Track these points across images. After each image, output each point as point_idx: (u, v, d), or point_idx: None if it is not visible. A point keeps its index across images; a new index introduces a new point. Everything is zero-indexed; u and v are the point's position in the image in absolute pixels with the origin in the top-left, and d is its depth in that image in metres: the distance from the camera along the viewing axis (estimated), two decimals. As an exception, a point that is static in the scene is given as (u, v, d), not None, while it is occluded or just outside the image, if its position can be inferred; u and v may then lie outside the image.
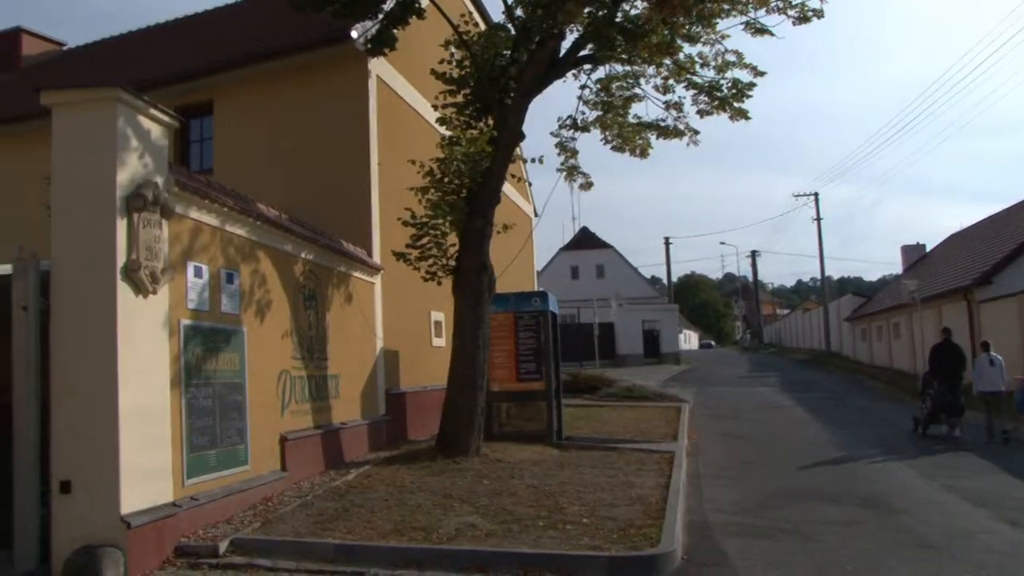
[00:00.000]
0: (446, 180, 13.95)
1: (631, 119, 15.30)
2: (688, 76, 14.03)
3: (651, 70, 14.50)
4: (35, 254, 8.03)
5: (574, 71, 14.51)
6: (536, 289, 22.42)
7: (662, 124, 14.99)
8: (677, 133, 14.91)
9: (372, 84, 15.66)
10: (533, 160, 15.36)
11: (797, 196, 59.36)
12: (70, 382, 7.75)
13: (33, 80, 22.59)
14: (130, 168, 7.95)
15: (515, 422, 15.95)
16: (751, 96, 13.77)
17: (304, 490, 10.86)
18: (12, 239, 17.69)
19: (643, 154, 15.41)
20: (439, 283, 14.46)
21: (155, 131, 8.41)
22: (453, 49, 14.40)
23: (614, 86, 15.17)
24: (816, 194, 54.99)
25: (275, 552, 8.12)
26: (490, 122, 14.27)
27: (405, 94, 17.40)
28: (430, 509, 9.60)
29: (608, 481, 11.48)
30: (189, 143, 17.39)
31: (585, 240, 70.82)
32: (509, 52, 13.85)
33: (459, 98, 14.27)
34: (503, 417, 15.97)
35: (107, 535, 7.49)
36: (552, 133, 15.58)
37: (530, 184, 29.74)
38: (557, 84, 13.89)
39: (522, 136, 14.02)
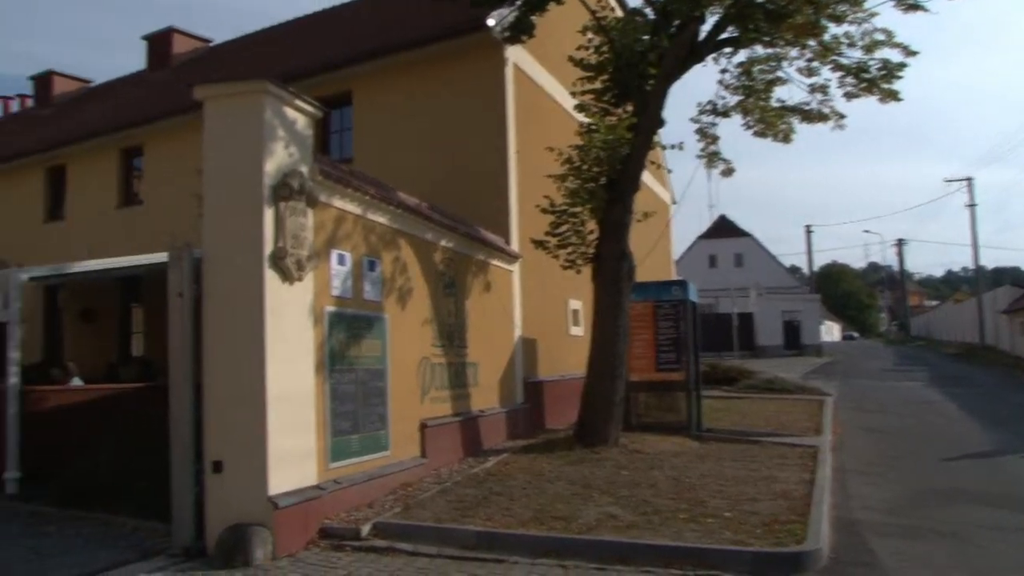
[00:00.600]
0: (585, 167, 13.70)
1: (773, 103, 14.72)
2: (834, 57, 13.38)
3: (795, 52, 13.91)
4: (189, 243, 8.27)
5: (714, 55, 14.02)
6: (674, 278, 21.95)
7: (806, 108, 14.37)
8: (822, 117, 14.28)
9: (509, 72, 15.59)
10: (672, 146, 14.98)
11: (949, 181, 57.03)
12: (221, 366, 7.95)
13: (184, 77, 23.72)
14: (277, 158, 8.08)
15: (653, 413, 15.59)
16: (901, 77, 13.08)
17: (443, 477, 10.89)
18: (166, 230, 18.56)
19: (786, 139, 14.81)
20: (578, 271, 14.27)
21: (300, 121, 8.52)
22: (591, 35, 14.14)
23: (756, 69, 14.60)
24: (970, 179, 52.38)
25: (416, 537, 8.12)
26: (629, 108, 13.98)
27: (542, 81, 17.25)
28: (569, 498, 9.45)
29: (750, 475, 11.07)
30: (329, 133, 17.76)
31: (723, 228, 69.27)
32: (648, 37, 13.49)
33: (597, 84, 14.00)
34: (641, 408, 15.63)
35: (256, 514, 7.67)
36: (692, 119, 15.14)
37: (669, 171, 29.18)
38: (696, 69, 13.52)
39: (662, 122, 13.67)
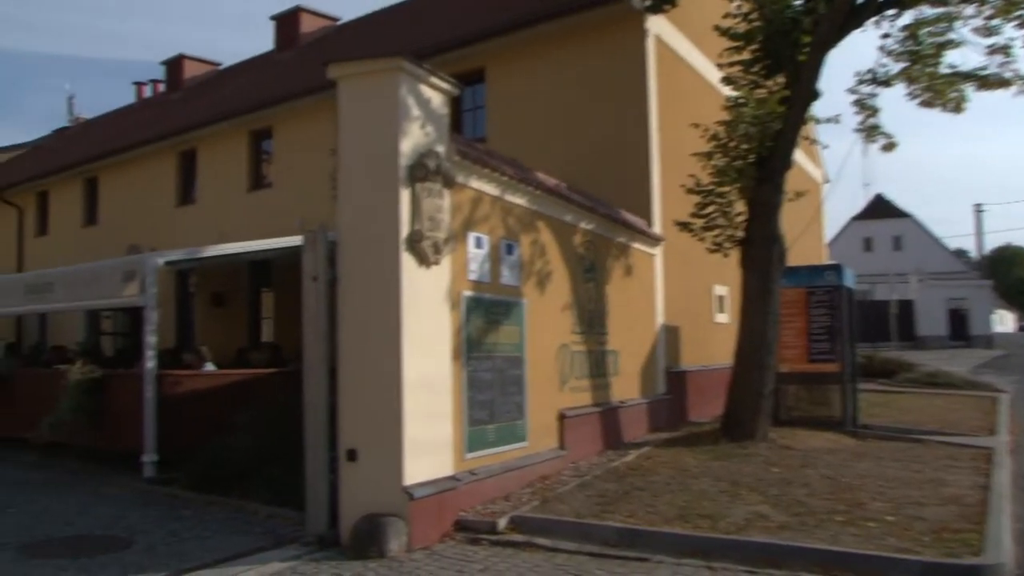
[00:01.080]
0: (732, 144, 13.42)
1: (943, 69, 13.96)
2: (1020, 12, 12.59)
3: (970, 10, 13.11)
4: (324, 226, 8.51)
5: (875, 19, 13.43)
6: (826, 262, 21.36)
7: (983, 73, 13.59)
8: (1002, 83, 13.44)
9: (650, 44, 15.41)
10: (828, 120, 14.48)
11: None
12: (356, 352, 8.16)
13: (312, 56, 24.38)
14: (413, 137, 8.22)
15: (804, 407, 15.14)
16: (1101, 32, 12.25)
17: (582, 470, 10.92)
18: (296, 213, 19.19)
19: (957, 108, 14.02)
20: (725, 255, 13.99)
21: (436, 100, 8.64)
22: (739, 1, 13.78)
23: (923, 32, 13.82)
24: None
25: (554, 532, 8.16)
26: (780, 80, 13.58)
27: (685, 53, 17.01)
28: (715, 496, 9.33)
29: (914, 476, 10.60)
30: (462, 112, 17.90)
31: (880, 208, 66.74)
32: (801, 2, 13.06)
33: (746, 55, 13.63)
34: (791, 401, 15.21)
35: (390, 504, 7.85)
36: (849, 89, 14.50)
37: (826, 147, 28.42)
38: (854, 35, 12.95)
39: (816, 94, 13.18)
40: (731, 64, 13.83)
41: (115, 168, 27.76)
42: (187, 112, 27.61)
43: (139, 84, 37.72)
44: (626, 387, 13.37)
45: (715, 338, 17.12)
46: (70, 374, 12.74)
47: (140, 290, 12.33)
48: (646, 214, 14.81)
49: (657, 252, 15.01)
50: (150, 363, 12.06)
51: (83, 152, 30.51)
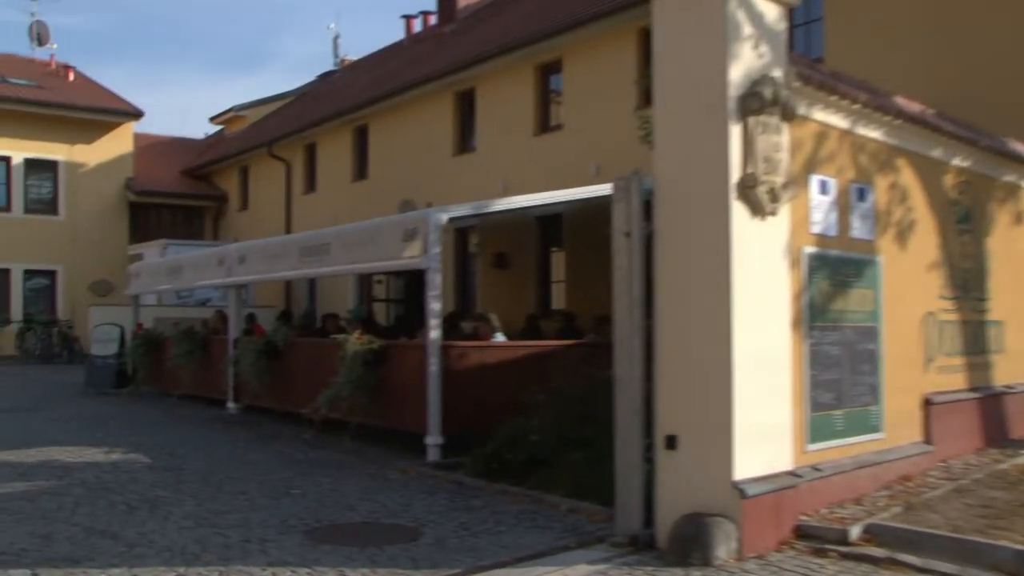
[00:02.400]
0: None
1: None
2: None
3: None
4: (638, 172, 8.48)
5: None
6: None
7: None
8: None
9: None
10: None
11: None
12: (677, 320, 8.10)
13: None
14: (743, 61, 7.98)
15: None
16: None
17: (955, 471, 10.35)
18: (592, 159, 19.33)
19: None
20: None
21: (770, 13, 8.32)
22: None
23: None
24: None
25: (924, 548, 7.72)
26: None
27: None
28: None
29: None
30: (792, 26, 17.37)
31: None
32: None
33: None
34: None
35: (717, 502, 7.75)
36: None
37: None
38: None
39: None
40: None
41: (385, 114, 29.19)
42: (462, 46, 28.43)
43: (408, 18, 39.21)
44: (1014, 368, 12.54)
45: None
46: (348, 345, 13.49)
47: (422, 250, 12.87)
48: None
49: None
50: (434, 332, 12.60)
51: (350, 98, 32.32)
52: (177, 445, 14.34)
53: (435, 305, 12.74)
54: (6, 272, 35.89)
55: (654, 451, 8.17)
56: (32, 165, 37.32)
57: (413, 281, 23.10)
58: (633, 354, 8.38)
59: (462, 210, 14.28)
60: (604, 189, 10.17)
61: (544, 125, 23.81)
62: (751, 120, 7.94)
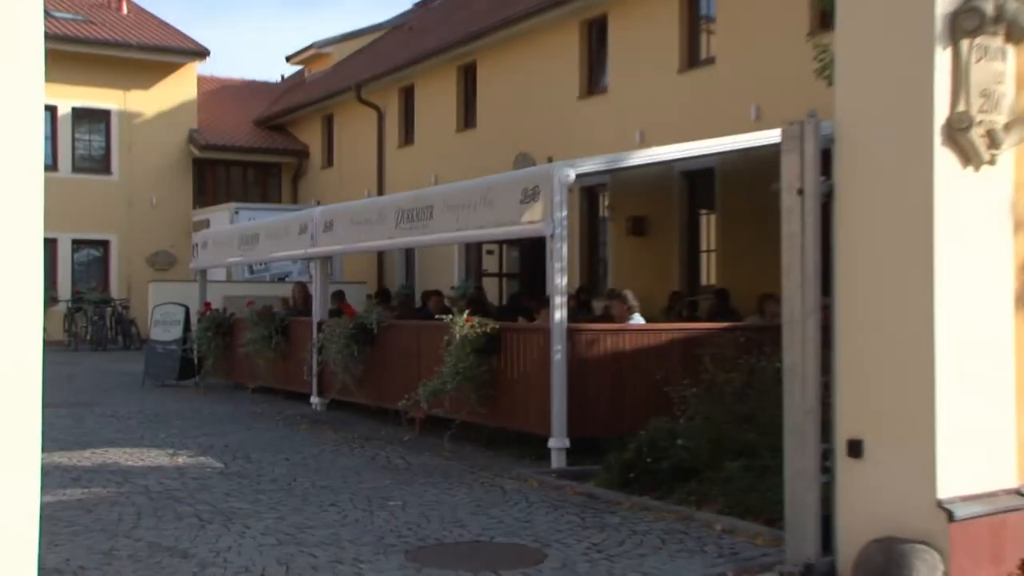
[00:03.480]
0: None
1: None
2: None
3: None
4: (813, 113, 8.22)
5: None
6: None
7: None
8: None
9: None
10: None
11: None
12: (862, 297, 7.93)
13: None
14: (954, -34, 7.71)
15: None
16: None
17: None
18: (752, 98, 18.96)
19: None
20: None
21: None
22: None
23: None
24: None
25: None
26: None
27: None
28: None
29: None
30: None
31: None
32: None
33: None
34: None
35: (915, 525, 7.52)
36: None
37: None
38: None
39: None
40: None
41: (498, 50, 29.10)
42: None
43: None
44: None
45: None
46: (455, 328, 13.46)
47: (544, 214, 12.76)
48: None
49: None
50: (559, 313, 12.50)
51: (455, 30, 32.25)
52: (253, 447, 14.57)
53: (560, 280, 12.62)
54: (52, 243, 35.82)
55: (833, 460, 8.01)
56: (81, 115, 38.16)
57: (532, 251, 23.01)
58: (806, 339, 8.17)
59: (592, 164, 14.16)
60: (769, 136, 10.01)
61: (692, 59, 23.44)
62: (965, 43, 7.61)
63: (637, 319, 14.22)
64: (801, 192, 8.17)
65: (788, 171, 8.28)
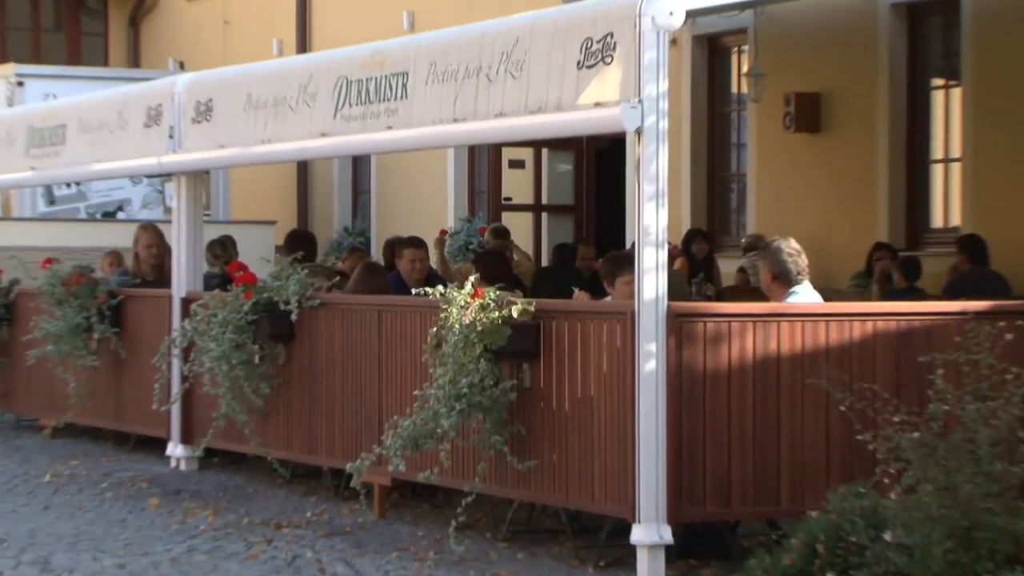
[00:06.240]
0: None
1: None
2: None
3: None
4: None
5: None
6: None
7: None
8: None
9: None
10: None
11: None
12: None
13: None
14: None
15: None
16: None
17: None
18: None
19: None
20: None
21: None
22: None
23: None
24: None
25: None
26: None
27: None
28: None
29: None
30: None
31: None
32: None
33: None
34: None
35: None
36: None
37: None
38: None
39: None
40: None
41: None
42: None
43: None
44: None
45: None
46: (451, 310, 9.48)
47: (623, 90, 8.66)
48: None
49: None
50: (653, 282, 8.62)
51: None
52: (56, 544, 10.12)
53: (656, 219, 8.43)
54: None
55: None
56: None
57: (598, 164, 19.15)
58: None
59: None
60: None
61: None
62: None
63: (804, 294, 9.99)
64: None
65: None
